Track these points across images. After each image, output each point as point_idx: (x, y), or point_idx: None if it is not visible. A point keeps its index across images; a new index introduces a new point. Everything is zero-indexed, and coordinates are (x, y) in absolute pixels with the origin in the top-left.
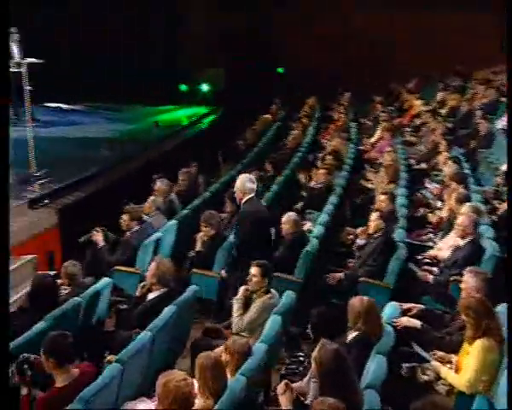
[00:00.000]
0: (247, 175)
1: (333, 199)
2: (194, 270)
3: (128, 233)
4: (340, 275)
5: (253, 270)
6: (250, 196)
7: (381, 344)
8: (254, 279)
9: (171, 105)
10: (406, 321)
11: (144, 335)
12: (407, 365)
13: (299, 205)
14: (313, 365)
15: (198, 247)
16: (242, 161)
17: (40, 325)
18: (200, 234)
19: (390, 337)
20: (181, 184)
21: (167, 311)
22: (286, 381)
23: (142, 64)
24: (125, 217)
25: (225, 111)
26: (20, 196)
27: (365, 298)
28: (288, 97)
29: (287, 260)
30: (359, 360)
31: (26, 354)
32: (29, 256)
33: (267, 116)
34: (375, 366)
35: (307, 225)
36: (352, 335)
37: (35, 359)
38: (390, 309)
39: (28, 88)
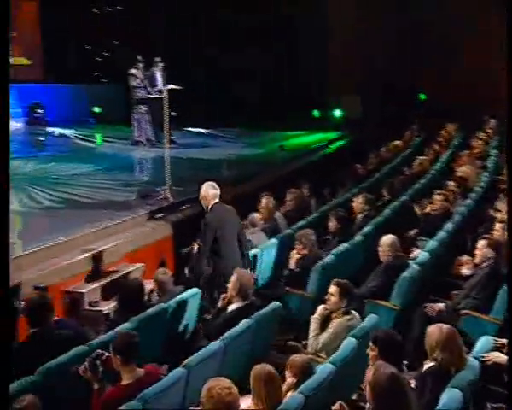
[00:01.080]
0: (209, 182)
1: (448, 226)
2: (287, 288)
3: None
4: (441, 306)
5: (332, 289)
6: (215, 201)
7: (458, 377)
8: (332, 299)
9: (302, 130)
10: (496, 357)
11: (214, 344)
12: (493, 405)
13: (413, 232)
14: (367, 388)
15: (291, 265)
16: (360, 186)
17: (124, 326)
18: (294, 252)
19: (472, 372)
20: (288, 205)
21: (243, 323)
22: (340, 402)
23: (277, 90)
24: None
25: (356, 137)
26: (141, 207)
27: (445, 326)
28: (427, 124)
29: (382, 285)
30: (434, 393)
31: (99, 351)
32: (137, 264)
33: (398, 143)
34: (446, 400)
35: (416, 252)
36: (427, 365)
37: (107, 356)
38: (482, 343)
39: (173, 114)
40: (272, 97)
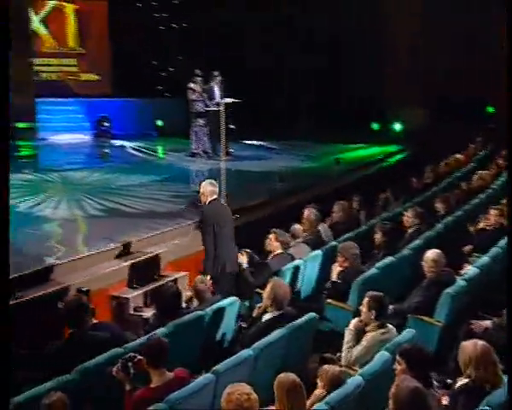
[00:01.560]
0: (208, 180)
1: (502, 242)
2: (328, 300)
3: (270, 257)
4: (488, 323)
5: (363, 301)
6: (212, 198)
7: (493, 396)
8: (363, 310)
9: (360, 143)
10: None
11: (245, 352)
12: None
13: (467, 248)
14: (390, 402)
15: (333, 277)
16: (414, 200)
17: (160, 331)
18: (336, 264)
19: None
20: (335, 217)
21: (276, 333)
22: None
23: (335, 103)
24: (271, 236)
25: (416, 151)
26: (188, 217)
27: (480, 342)
28: (493, 138)
29: (425, 301)
30: None
31: (132, 354)
32: (182, 273)
33: (459, 156)
34: None
35: (467, 268)
36: (460, 382)
37: (139, 359)
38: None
39: (232, 126)
40: (330, 110)
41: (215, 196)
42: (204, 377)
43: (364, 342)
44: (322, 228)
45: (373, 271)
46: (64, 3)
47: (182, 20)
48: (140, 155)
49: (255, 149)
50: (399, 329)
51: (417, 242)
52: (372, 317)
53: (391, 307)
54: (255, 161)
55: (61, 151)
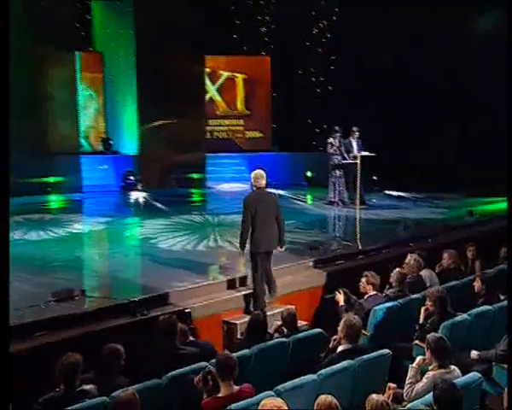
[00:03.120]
0: (259, 171)
1: None
2: (415, 342)
3: (364, 297)
4: None
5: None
6: (258, 186)
7: None
8: (426, 351)
9: (500, 197)
10: None
11: (309, 376)
12: None
13: None
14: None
15: (421, 320)
16: None
17: (245, 352)
18: (424, 307)
19: None
20: (444, 264)
21: (343, 363)
22: None
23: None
24: (363, 279)
25: None
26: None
27: None
28: None
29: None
30: None
31: (210, 367)
32: (289, 306)
33: None
34: None
35: None
36: None
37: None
38: None
39: (374, 178)
40: (471, 162)
41: (260, 186)
42: (265, 394)
43: (425, 379)
44: (427, 273)
45: (463, 317)
46: (236, 74)
47: (337, 83)
48: (293, 201)
49: (394, 200)
50: (486, 375)
51: None
52: (432, 359)
53: (476, 353)
54: (388, 210)
55: (225, 198)
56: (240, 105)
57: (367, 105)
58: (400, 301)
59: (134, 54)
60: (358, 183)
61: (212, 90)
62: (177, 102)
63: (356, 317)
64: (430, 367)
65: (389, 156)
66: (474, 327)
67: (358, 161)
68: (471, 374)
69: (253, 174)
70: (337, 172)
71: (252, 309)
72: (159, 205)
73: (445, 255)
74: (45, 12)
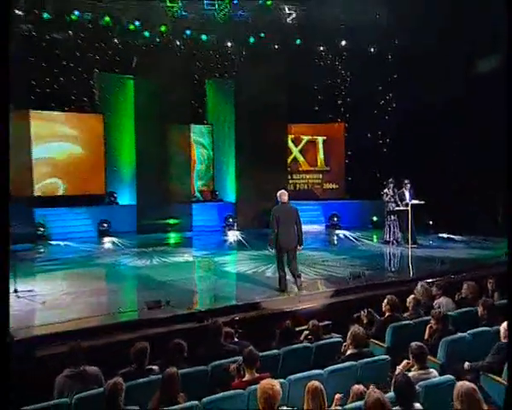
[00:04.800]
0: (283, 191)
1: None
2: None
3: (385, 316)
4: None
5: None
6: (282, 201)
7: None
8: (410, 357)
9: None
10: None
11: (317, 371)
12: None
13: None
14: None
15: (426, 335)
16: None
17: (273, 352)
18: (428, 326)
19: None
20: (463, 293)
21: (346, 364)
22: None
23: None
24: (385, 301)
25: None
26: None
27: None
28: None
29: (497, 362)
30: None
31: (240, 360)
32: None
33: None
34: None
35: None
36: None
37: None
38: None
39: (430, 222)
40: None
41: (284, 201)
42: (278, 381)
43: None
44: (445, 301)
45: (464, 335)
46: (316, 137)
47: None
48: (360, 241)
49: (443, 241)
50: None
51: None
52: (413, 362)
53: (468, 364)
54: (436, 249)
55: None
56: (319, 163)
57: (425, 161)
58: (413, 321)
59: (234, 123)
60: (410, 226)
61: (295, 151)
62: (266, 161)
63: (360, 328)
64: (412, 369)
65: (444, 203)
66: (473, 344)
67: (409, 208)
68: (446, 376)
69: (278, 193)
70: (392, 216)
71: (278, 288)
72: (244, 241)
73: (465, 286)
74: (167, 92)
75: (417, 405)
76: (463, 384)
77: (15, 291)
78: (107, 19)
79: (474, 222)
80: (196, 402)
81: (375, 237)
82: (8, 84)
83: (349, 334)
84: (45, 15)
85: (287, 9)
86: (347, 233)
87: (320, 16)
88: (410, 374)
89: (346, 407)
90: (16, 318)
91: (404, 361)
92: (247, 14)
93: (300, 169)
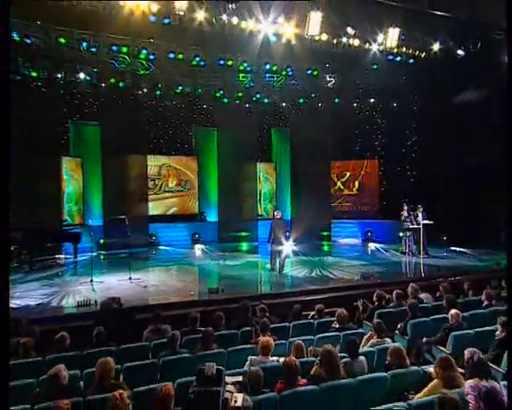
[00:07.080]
0: (278, 210)
1: None
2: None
3: (374, 305)
4: None
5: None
6: (277, 217)
7: None
8: (372, 329)
9: None
10: None
11: (311, 337)
12: None
13: None
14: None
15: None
16: None
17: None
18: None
19: None
20: (441, 291)
21: (330, 333)
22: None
23: None
24: (375, 294)
25: None
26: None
27: None
28: None
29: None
30: None
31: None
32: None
33: None
34: None
35: None
36: None
37: None
38: None
39: (444, 238)
40: None
41: (278, 217)
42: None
43: (369, 343)
44: (425, 296)
45: (426, 319)
46: (355, 170)
47: (413, 171)
48: (385, 253)
49: (452, 253)
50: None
51: None
52: (375, 333)
53: (425, 339)
54: (442, 260)
55: (342, 248)
56: (355, 190)
57: (438, 190)
58: (395, 309)
59: (290, 161)
60: (422, 240)
61: (338, 183)
62: (315, 190)
63: (344, 310)
64: (373, 339)
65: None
66: (433, 326)
67: (421, 227)
68: (396, 344)
69: (275, 211)
70: (407, 233)
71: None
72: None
73: (440, 287)
74: (243, 139)
75: (361, 357)
76: (394, 345)
77: (130, 279)
78: (199, 90)
79: (484, 238)
80: (223, 350)
81: (399, 249)
82: (8, 84)
83: (336, 315)
84: (157, 92)
85: (327, 77)
86: (378, 245)
87: (352, 81)
88: (372, 341)
89: None
90: (126, 294)
91: (370, 332)
92: (297, 81)
93: (342, 194)
